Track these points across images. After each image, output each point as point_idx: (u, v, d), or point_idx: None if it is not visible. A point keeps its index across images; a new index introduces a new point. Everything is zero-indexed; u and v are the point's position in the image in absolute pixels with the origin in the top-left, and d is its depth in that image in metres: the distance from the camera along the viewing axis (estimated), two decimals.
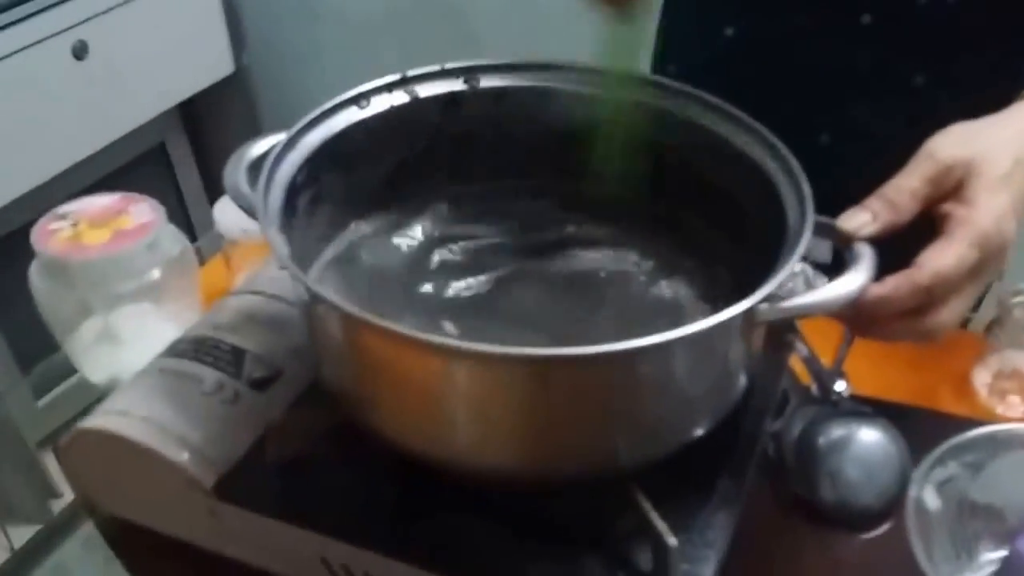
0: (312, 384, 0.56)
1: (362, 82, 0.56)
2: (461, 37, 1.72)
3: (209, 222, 0.73)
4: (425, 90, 0.58)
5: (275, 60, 1.92)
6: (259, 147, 0.52)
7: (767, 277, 0.43)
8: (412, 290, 0.56)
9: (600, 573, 0.47)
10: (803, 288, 0.55)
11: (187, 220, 1.82)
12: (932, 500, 0.54)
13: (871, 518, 0.58)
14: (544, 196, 0.62)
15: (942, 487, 0.54)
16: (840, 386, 0.64)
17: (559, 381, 0.43)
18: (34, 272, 0.63)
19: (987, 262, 0.47)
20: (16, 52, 1.39)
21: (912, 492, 0.53)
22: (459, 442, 0.46)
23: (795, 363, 0.63)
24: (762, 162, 0.52)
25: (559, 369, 0.42)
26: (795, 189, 0.49)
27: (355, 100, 0.55)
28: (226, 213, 0.70)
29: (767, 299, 0.43)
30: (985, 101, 0.54)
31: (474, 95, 0.58)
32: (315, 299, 0.44)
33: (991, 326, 0.68)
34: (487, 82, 0.59)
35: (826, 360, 0.63)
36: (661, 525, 0.46)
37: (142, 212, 0.63)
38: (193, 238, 0.80)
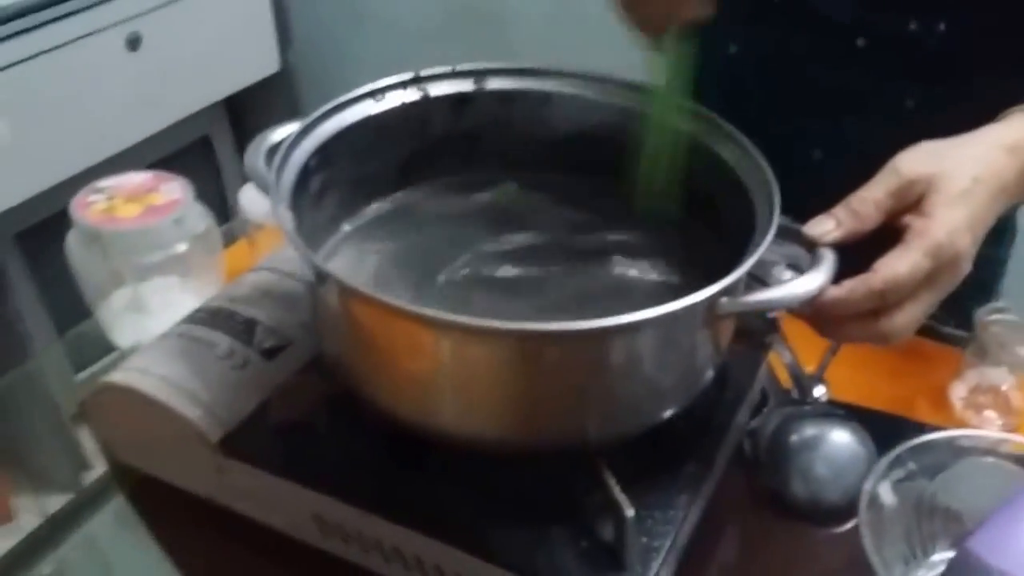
0: (316, 355, 0.60)
1: None
2: (501, 44, 1.77)
3: None
4: (436, 89, 0.62)
5: (319, 60, 1.98)
6: (279, 133, 0.57)
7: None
8: (415, 270, 0.60)
9: (566, 540, 0.51)
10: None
11: (225, 208, 1.88)
12: (887, 496, 0.56)
13: (837, 514, 0.60)
14: (546, 190, 0.66)
15: (899, 485, 0.57)
16: (819, 391, 0.67)
17: (530, 354, 0.47)
18: (71, 240, 0.69)
19: (940, 271, 0.51)
20: (74, 41, 1.45)
21: (867, 486, 0.56)
22: (442, 411, 0.50)
23: (779, 367, 0.67)
24: (739, 170, 0.56)
25: (530, 342, 0.46)
26: (768, 198, 0.53)
27: (371, 94, 0.60)
28: (251, 198, 0.75)
29: (726, 292, 0.47)
30: (972, 124, 0.58)
31: (482, 96, 0.63)
32: (314, 270, 0.48)
33: (968, 342, 0.70)
34: (495, 84, 0.63)
35: (812, 366, 0.66)
36: (622, 498, 0.49)
37: (172, 190, 0.68)
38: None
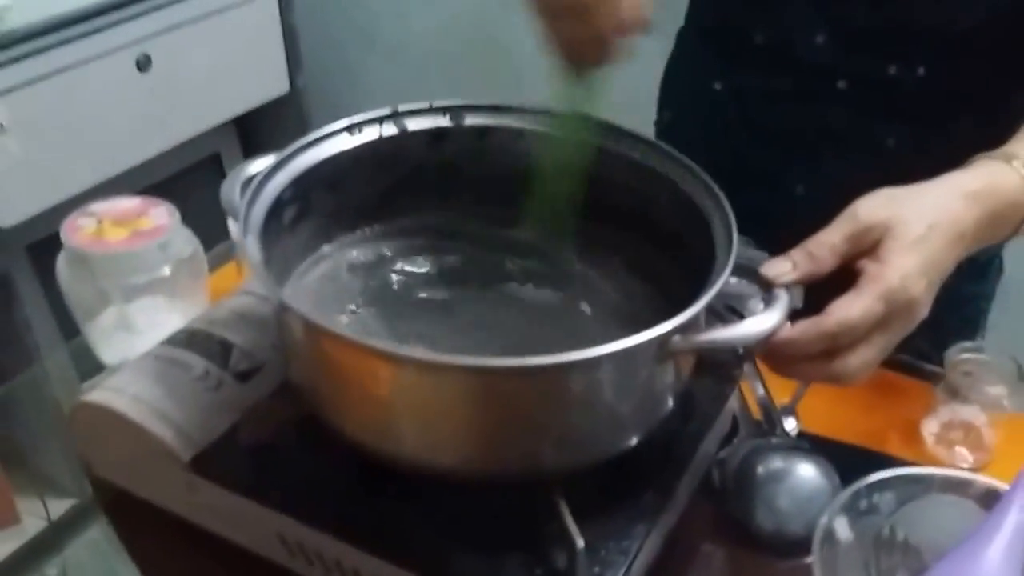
0: (286, 379, 0.62)
1: None
2: (505, 73, 1.79)
3: None
4: (414, 124, 0.64)
5: (330, 82, 2.00)
6: (257, 165, 0.58)
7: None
8: (384, 300, 0.62)
9: (521, 568, 0.52)
10: None
11: None
12: (843, 531, 0.57)
13: (801, 546, 0.61)
14: (515, 225, 0.67)
15: (858, 520, 0.58)
16: (790, 423, 0.68)
17: (486, 388, 0.48)
18: (61, 262, 0.71)
19: (893, 316, 0.51)
20: (85, 62, 1.48)
21: (823, 520, 0.56)
22: (399, 439, 0.52)
23: (751, 399, 0.68)
24: (704, 210, 0.57)
25: (485, 377, 0.47)
26: (727, 240, 0.54)
27: (348, 128, 0.62)
28: None
29: (680, 330, 0.48)
30: (953, 164, 0.59)
31: (459, 131, 0.64)
32: (277, 302, 0.50)
33: (939, 380, 0.71)
34: (471, 120, 0.65)
35: (786, 398, 0.67)
36: (573, 528, 0.50)
37: (159, 215, 0.70)
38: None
